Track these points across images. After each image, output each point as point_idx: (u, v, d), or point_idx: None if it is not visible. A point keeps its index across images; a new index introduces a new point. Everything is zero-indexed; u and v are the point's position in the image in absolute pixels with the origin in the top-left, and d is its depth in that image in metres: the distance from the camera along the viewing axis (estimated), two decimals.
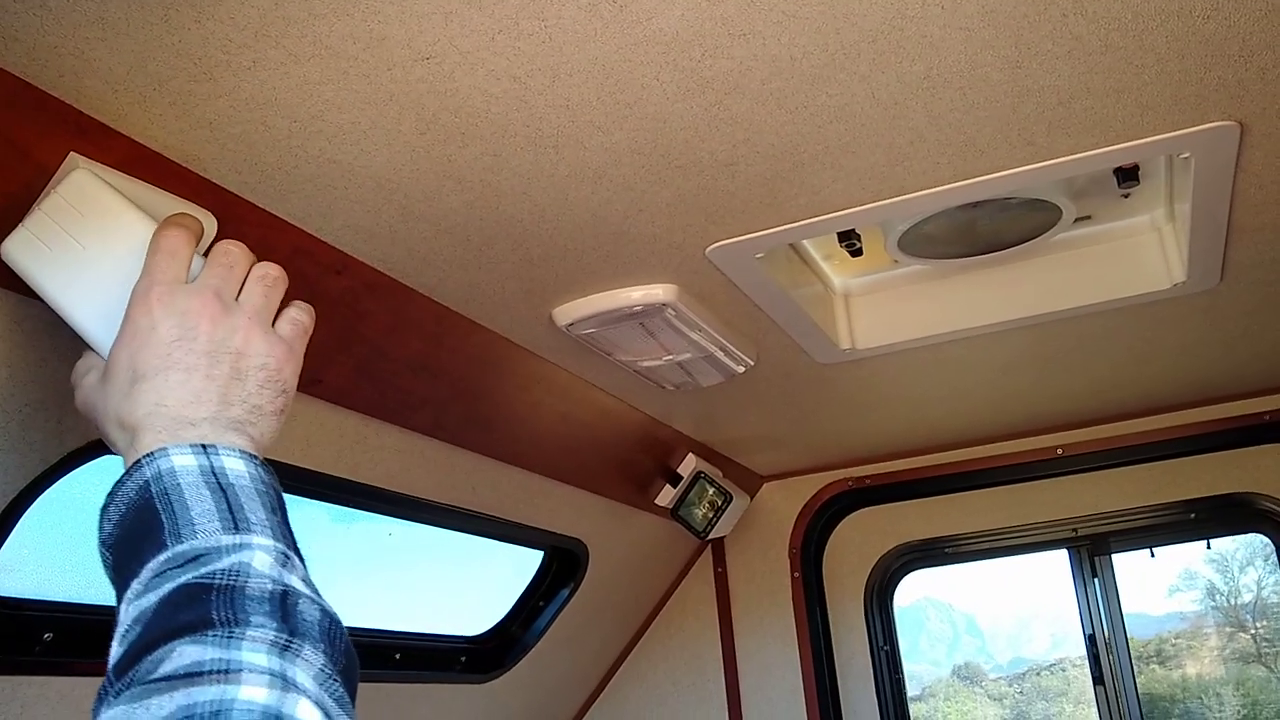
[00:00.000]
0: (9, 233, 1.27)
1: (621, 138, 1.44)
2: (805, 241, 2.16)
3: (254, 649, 0.91)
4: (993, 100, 1.46)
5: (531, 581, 2.99)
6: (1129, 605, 3.23)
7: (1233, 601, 3.52)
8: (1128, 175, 1.93)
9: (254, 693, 0.86)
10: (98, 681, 1.08)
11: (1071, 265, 2.24)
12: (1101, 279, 2.22)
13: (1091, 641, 3.19)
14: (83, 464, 1.61)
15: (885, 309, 2.36)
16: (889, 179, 1.63)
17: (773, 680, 3.39)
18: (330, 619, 1.01)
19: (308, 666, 0.93)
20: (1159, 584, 3.49)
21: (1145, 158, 1.73)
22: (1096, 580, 3.22)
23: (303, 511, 2.18)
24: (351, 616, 2.35)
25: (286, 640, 0.94)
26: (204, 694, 0.85)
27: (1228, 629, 3.54)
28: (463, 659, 2.82)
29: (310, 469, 1.98)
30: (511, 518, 2.60)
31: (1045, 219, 2.08)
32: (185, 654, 0.89)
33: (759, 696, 3.40)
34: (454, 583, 3.02)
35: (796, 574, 3.43)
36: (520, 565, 2.97)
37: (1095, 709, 3.20)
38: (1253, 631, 3.61)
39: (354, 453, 2.05)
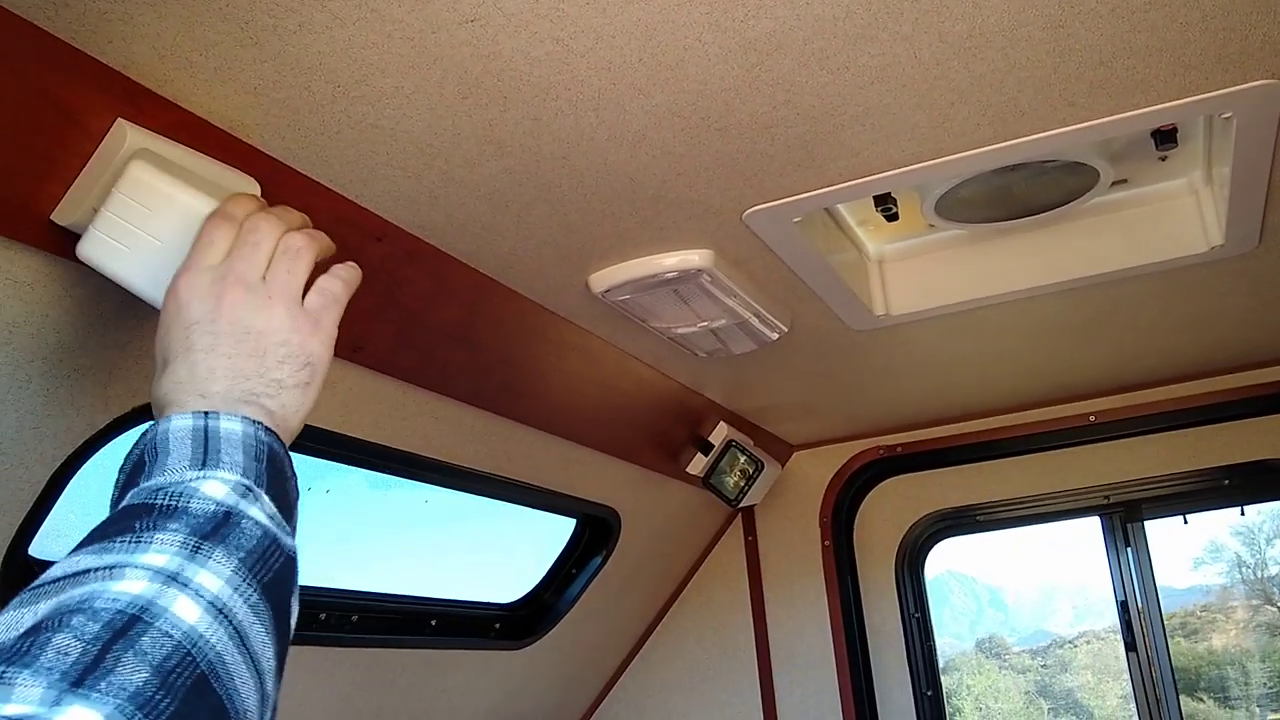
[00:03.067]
0: (60, 196, 1.29)
1: (662, 100, 1.44)
2: (841, 207, 2.16)
3: (158, 551, 0.91)
4: (1035, 60, 1.45)
5: (564, 549, 3.00)
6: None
7: (1259, 574, 3.51)
8: (1166, 137, 1.91)
9: (127, 586, 0.86)
10: None
11: (1108, 229, 2.23)
12: (1138, 243, 2.21)
13: (1124, 608, 3.19)
14: (129, 429, 1.63)
15: (920, 275, 2.35)
16: (929, 140, 1.62)
17: (803, 648, 3.41)
18: (271, 540, 1.00)
19: (216, 568, 0.92)
20: (1185, 557, 3.48)
21: (1187, 118, 1.72)
22: (1129, 547, 3.22)
23: (341, 478, 2.21)
24: (387, 583, 2.37)
25: (196, 544, 0.93)
26: (78, 590, 0.85)
27: (1254, 601, 3.53)
28: (497, 626, 2.84)
29: (349, 435, 2.00)
30: (545, 485, 2.61)
31: (1082, 182, 2.07)
32: (82, 560, 0.89)
33: (790, 664, 3.42)
34: (488, 550, 3.04)
35: (827, 542, 3.43)
36: (554, 533, 2.99)
37: (1120, 680, 3.21)
38: (1279, 604, 3.60)
39: (392, 420, 2.06)
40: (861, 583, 3.43)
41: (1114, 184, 2.13)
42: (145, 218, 1.26)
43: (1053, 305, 2.43)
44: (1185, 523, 3.25)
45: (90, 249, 1.27)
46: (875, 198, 2.05)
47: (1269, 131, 1.72)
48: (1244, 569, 3.56)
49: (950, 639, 3.58)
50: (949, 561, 3.72)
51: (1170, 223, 2.20)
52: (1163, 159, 2.08)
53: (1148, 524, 3.23)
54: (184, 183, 1.28)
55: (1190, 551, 3.48)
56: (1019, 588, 4.01)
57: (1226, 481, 3.16)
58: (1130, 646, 3.17)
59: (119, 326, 1.48)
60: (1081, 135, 1.66)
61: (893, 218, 2.11)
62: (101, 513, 1.84)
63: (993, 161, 1.73)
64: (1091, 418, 3.21)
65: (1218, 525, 3.43)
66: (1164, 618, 3.18)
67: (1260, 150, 1.79)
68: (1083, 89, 1.54)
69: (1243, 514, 3.24)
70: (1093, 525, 3.31)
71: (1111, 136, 1.76)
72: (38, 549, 1.71)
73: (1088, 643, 3.96)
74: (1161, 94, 1.58)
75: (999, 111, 1.57)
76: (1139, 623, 3.17)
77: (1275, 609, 3.64)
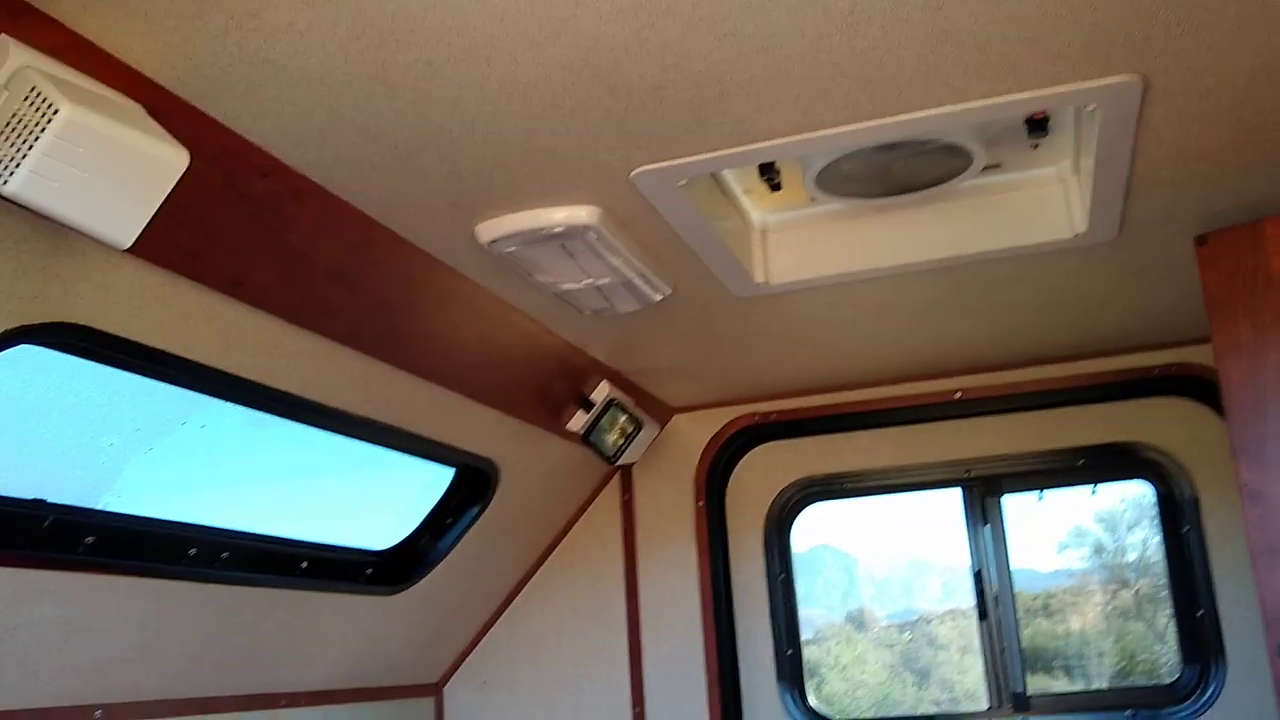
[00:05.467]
0: None
1: (553, 54, 1.47)
2: (727, 175, 2.21)
3: None
4: (913, 40, 1.51)
5: (441, 499, 3.02)
6: (1019, 561, 3.38)
7: (1119, 560, 3.67)
8: (1038, 126, 2.01)
9: None
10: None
11: (980, 211, 2.32)
12: (1007, 226, 2.31)
13: (978, 578, 3.33)
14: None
15: (800, 246, 2.42)
16: (811, 113, 1.68)
17: (672, 605, 3.48)
18: None
19: None
20: (1049, 540, 3.63)
21: (1054, 107, 1.81)
22: (986, 522, 3.36)
23: (217, 414, 2.20)
24: (260, 522, 2.37)
25: None
26: None
27: (1112, 586, 3.70)
28: (369, 571, 2.86)
29: (227, 371, 1.99)
30: (424, 433, 2.63)
31: (958, 164, 2.15)
32: None
33: (658, 621, 3.49)
34: (366, 495, 3.05)
35: (701, 503, 3.51)
36: (431, 482, 3.01)
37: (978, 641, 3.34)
38: (1135, 589, 3.78)
39: (271, 357, 2.06)
40: (731, 544, 3.52)
41: (988, 168, 2.23)
42: (75, 156, 1.29)
43: (926, 283, 2.52)
44: (1041, 499, 3.40)
45: (19, 187, 1.28)
46: (759, 167, 2.11)
47: (1129, 125, 1.81)
48: (1104, 554, 3.72)
49: (822, 610, 3.69)
50: (825, 535, 3.83)
51: (1038, 209, 2.30)
52: (1035, 147, 2.17)
53: (1015, 503, 3.37)
54: (109, 119, 1.32)
55: (1055, 535, 3.63)
56: (891, 563, 4.13)
57: (1081, 462, 3.31)
58: (983, 615, 3.31)
59: None
60: (956, 117, 1.73)
61: (776, 188, 2.18)
62: None
63: (872, 137, 1.80)
64: (958, 394, 3.33)
65: (1081, 511, 3.59)
66: (1020, 604, 3.32)
67: (1121, 142, 1.88)
68: (958, 72, 1.61)
69: (1094, 493, 3.39)
70: (957, 500, 3.43)
71: (985, 120, 1.84)
72: None
73: (954, 620, 4.10)
74: (1032, 82, 1.66)
75: (878, 88, 1.63)
76: (990, 592, 3.31)
77: (1130, 593, 3.81)
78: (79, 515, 2.01)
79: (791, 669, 3.42)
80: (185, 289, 1.80)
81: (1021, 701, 3.25)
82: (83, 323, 1.68)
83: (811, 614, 3.82)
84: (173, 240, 1.67)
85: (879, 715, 3.76)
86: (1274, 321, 2.05)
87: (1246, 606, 3.01)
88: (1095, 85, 1.67)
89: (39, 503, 1.93)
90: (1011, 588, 3.31)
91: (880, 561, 4.10)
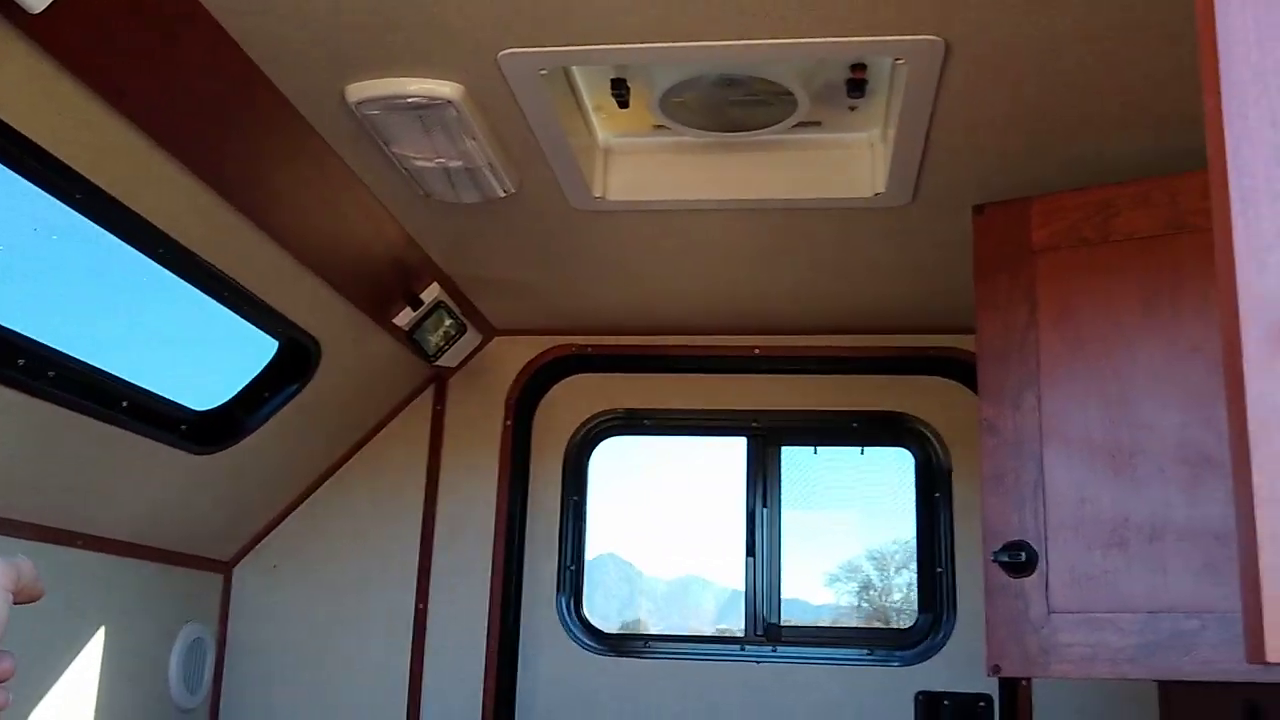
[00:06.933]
0: None
1: None
2: (581, 87, 2.43)
3: None
4: None
5: (261, 370, 3.14)
6: (791, 592, 3.69)
7: (884, 600, 4.00)
8: (856, 87, 2.30)
9: None
10: None
11: (799, 164, 2.62)
12: (819, 179, 2.61)
13: (750, 517, 3.64)
14: None
15: (637, 169, 2.66)
16: (664, 20, 1.91)
17: (468, 514, 3.68)
18: None
19: None
20: (819, 574, 3.91)
21: (871, 55, 2.10)
22: (763, 471, 3.68)
23: (67, 228, 2.27)
24: (90, 352, 2.43)
25: None
26: None
27: (876, 623, 4.02)
28: (183, 427, 2.95)
29: (91, 180, 2.10)
30: (257, 293, 2.74)
31: (784, 111, 2.44)
32: None
33: (453, 527, 3.68)
34: (199, 357, 3.14)
35: (509, 422, 3.72)
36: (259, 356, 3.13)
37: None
38: (895, 626, 4.13)
39: (136, 177, 2.17)
40: (533, 464, 3.74)
41: (810, 124, 2.52)
42: None
43: (740, 226, 2.81)
44: (815, 453, 3.74)
45: None
46: (611, 82, 2.35)
47: (930, 86, 2.11)
48: (871, 592, 4.03)
49: (598, 619, 3.92)
50: (610, 544, 4.04)
51: (847, 167, 2.60)
52: (852, 109, 2.48)
53: (787, 448, 3.71)
54: None
55: (826, 568, 3.91)
56: (672, 579, 4.38)
57: (855, 425, 3.67)
58: (750, 551, 3.62)
59: None
60: (787, 50, 2.00)
61: (624, 104, 2.41)
62: None
63: (717, 58, 2.05)
64: (756, 350, 3.64)
65: (854, 548, 3.89)
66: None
67: (921, 103, 2.18)
68: (793, 7, 1.87)
69: (862, 453, 3.74)
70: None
71: (813, 60, 2.12)
72: None
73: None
74: (855, 27, 1.93)
75: (723, 7, 1.87)
76: (760, 532, 3.63)
77: (893, 631, 4.15)
78: None
79: (573, 582, 3.67)
80: (70, 87, 1.91)
81: (774, 632, 3.57)
82: None
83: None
84: (67, 30, 1.79)
85: (643, 633, 4.02)
86: (1027, 285, 2.39)
87: (978, 570, 3.37)
88: (904, 39, 1.96)
89: None
90: (780, 531, 3.63)
91: (662, 576, 4.35)
